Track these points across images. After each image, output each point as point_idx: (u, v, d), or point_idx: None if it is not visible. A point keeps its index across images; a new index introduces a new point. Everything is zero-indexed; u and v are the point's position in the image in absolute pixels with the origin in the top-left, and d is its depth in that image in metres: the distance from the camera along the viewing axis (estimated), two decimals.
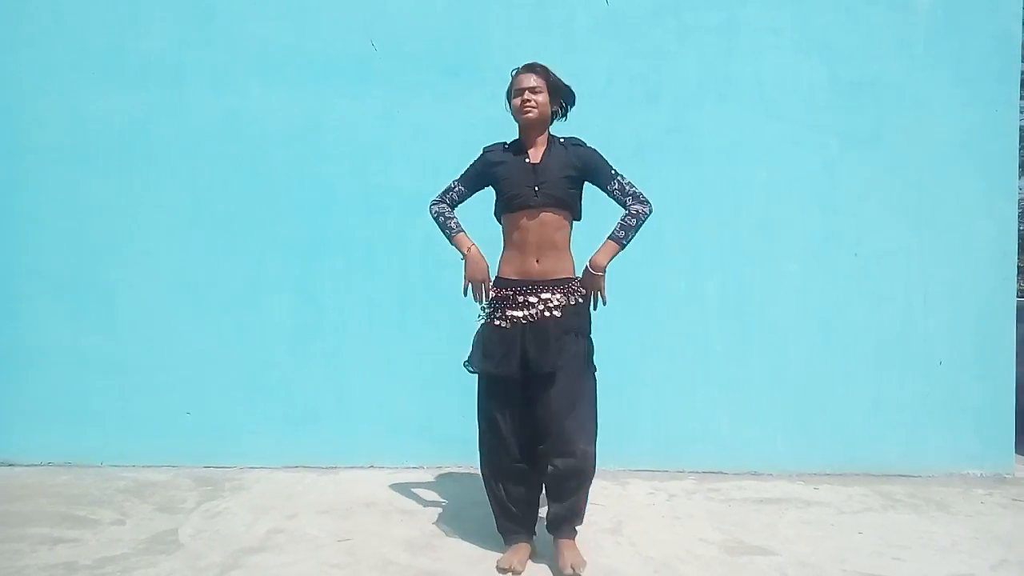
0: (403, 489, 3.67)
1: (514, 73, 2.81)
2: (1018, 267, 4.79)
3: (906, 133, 4.09)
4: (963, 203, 4.08)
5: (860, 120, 4.08)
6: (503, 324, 2.71)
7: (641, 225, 2.75)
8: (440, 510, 3.35)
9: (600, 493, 3.59)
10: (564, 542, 2.69)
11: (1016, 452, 4.13)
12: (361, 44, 4.10)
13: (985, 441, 4.07)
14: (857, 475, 4.02)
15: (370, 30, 4.10)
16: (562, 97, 2.82)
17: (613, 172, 2.79)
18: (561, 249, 2.76)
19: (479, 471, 2.89)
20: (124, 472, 3.91)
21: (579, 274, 2.76)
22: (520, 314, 2.68)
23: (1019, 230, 4.72)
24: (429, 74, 4.09)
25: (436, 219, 2.95)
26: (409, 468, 4.03)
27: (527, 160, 2.76)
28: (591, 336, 2.80)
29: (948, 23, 4.07)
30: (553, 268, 2.72)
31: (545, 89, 2.75)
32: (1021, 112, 4.75)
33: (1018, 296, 4.40)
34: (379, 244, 4.10)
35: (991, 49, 4.08)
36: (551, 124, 2.84)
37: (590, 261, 2.74)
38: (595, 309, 2.82)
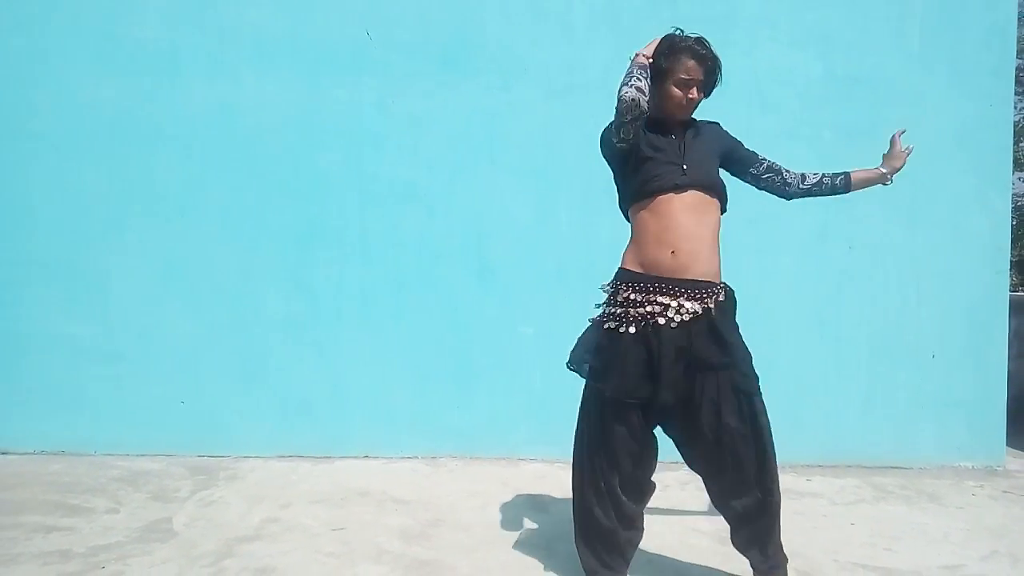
0: (397, 479, 3.68)
1: (685, 42, 2.29)
2: (1011, 261, 4.80)
3: (900, 127, 4.08)
4: (957, 197, 4.10)
5: (855, 114, 4.08)
6: (627, 329, 2.25)
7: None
8: (434, 500, 3.35)
9: None
10: None
11: (1007, 445, 4.16)
12: (356, 33, 4.08)
13: (976, 434, 4.10)
14: (849, 467, 4.04)
15: (365, 19, 4.08)
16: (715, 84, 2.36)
17: (755, 152, 2.47)
18: (708, 241, 2.27)
19: (574, 497, 2.45)
20: (118, 461, 3.91)
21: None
22: (645, 311, 2.23)
23: (1012, 225, 4.73)
24: (424, 63, 4.07)
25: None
26: (403, 458, 4.04)
27: (672, 136, 2.33)
28: (746, 349, 2.31)
29: (943, 18, 4.08)
30: (691, 264, 2.23)
31: (709, 88, 2.35)
32: (1016, 107, 4.77)
33: (1011, 290, 4.42)
34: (374, 234, 4.10)
35: (986, 44, 4.08)
36: None
37: (880, 170, 2.53)
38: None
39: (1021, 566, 2.74)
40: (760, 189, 2.51)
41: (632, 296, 2.26)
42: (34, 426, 4.05)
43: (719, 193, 2.34)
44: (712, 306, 2.24)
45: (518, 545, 2.82)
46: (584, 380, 2.42)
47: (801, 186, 2.44)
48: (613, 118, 2.27)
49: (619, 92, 2.20)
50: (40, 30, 4.06)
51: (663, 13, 4.07)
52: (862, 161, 4.07)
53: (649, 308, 2.22)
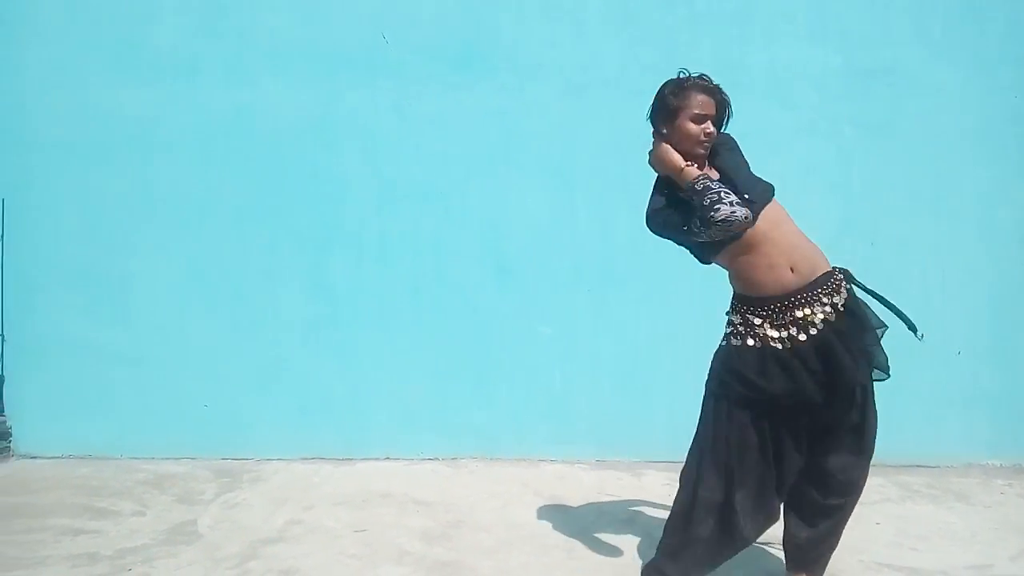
0: (418, 480, 3.69)
1: (685, 80, 2.27)
2: None
3: (922, 120, 4.04)
4: (980, 191, 4.03)
5: (875, 108, 4.03)
6: (780, 346, 2.21)
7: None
8: (455, 501, 3.36)
9: (615, 484, 3.60)
10: None
11: None
12: (372, 36, 4.09)
13: (1004, 431, 4.03)
14: (874, 465, 3.93)
15: (381, 22, 4.09)
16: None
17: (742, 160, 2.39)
18: (802, 240, 2.31)
19: (682, 501, 2.33)
20: (143, 464, 3.95)
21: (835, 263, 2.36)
22: (785, 334, 2.21)
23: None
24: (440, 65, 4.08)
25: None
26: (424, 459, 4.05)
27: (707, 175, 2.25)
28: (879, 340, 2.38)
29: (965, 9, 4.01)
30: (810, 268, 2.26)
31: (719, 124, 2.31)
32: None
33: None
34: (392, 235, 4.11)
35: (1008, 35, 4.01)
36: None
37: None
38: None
39: None
40: None
41: (769, 315, 2.22)
42: (60, 430, 4.11)
43: (773, 194, 2.32)
44: (841, 300, 2.27)
45: (539, 546, 2.82)
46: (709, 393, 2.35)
47: None
48: (698, 224, 2.17)
49: (715, 211, 2.10)
50: (60, 38, 4.11)
51: (679, 10, 4.06)
52: (882, 155, 4.05)
53: (800, 322, 2.21)
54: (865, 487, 3.58)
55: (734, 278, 2.34)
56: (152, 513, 3.21)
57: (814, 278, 2.25)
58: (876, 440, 2.44)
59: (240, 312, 4.12)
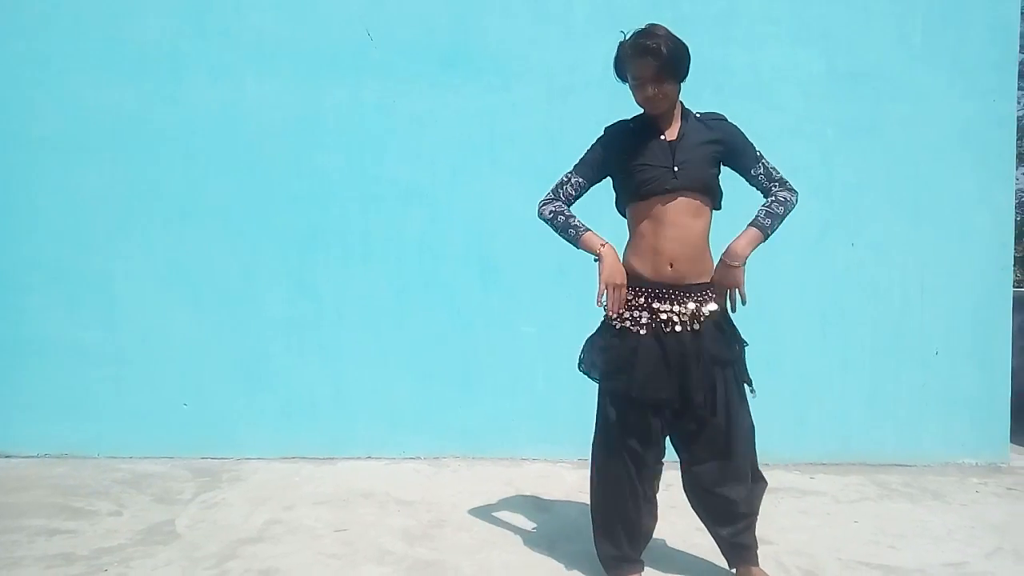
0: (400, 480, 3.68)
1: (625, 45, 2.26)
2: (1015, 257, 4.79)
3: (904, 124, 4.08)
4: (960, 193, 4.08)
5: (857, 111, 4.07)
6: (638, 330, 2.31)
7: (787, 215, 2.41)
8: (437, 500, 3.35)
9: None
10: (756, 570, 2.44)
11: (1011, 442, 4.15)
12: (357, 34, 4.08)
13: (981, 430, 4.08)
14: (853, 464, 4.03)
15: (366, 20, 4.07)
16: (685, 66, 2.28)
17: (758, 154, 2.42)
18: (700, 246, 2.34)
19: (591, 493, 2.52)
20: (121, 463, 3.91)
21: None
22: (646, 320, 2.30)
23: (1016, 221, 4.72)
24: (426, 64, 4.07)
25: (551, 221, 2.51)
26: (406, 459, 4.04)
27: (662, 137, 2.32)
28: (743, 354, 2.42)
29: (946, 14, 4.06)
30: (689, 271, 2.31)
31: (670, 73, 2.23)
32: (1019, 103, 4.76)
33: (1015, 286, 4.40)
34: (376, 235, 4.10)
35: (989, 40, 4.07)
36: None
37: (727, 251, 2.31)
38: (733, 311, 2.38)
39: None
40: None
41: (642, 300, 2.33)
42: (37, 429, 4.06)
43: (712, 193, 2.36)
44: (716, 307, 2.35)
45: (521, 545, 2.82)
46: (598, 381, 2.48)
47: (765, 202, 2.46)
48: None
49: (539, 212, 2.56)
50: (42, 34, 4.06)
51: (664, 12, 4.03)
52: (864, 157, 4.09)
53: (663, 316, 2.30)
54: (843, 485, 3.65)
55: (627, 248, 2.44)
56: (129, 513, 3.18)
57: (692, 283, 2.32)
58: (750, 444, 2.44)
59: (222, 311, 4.09)
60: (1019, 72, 4.30)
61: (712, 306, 2.34)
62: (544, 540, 2.86)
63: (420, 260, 4.09)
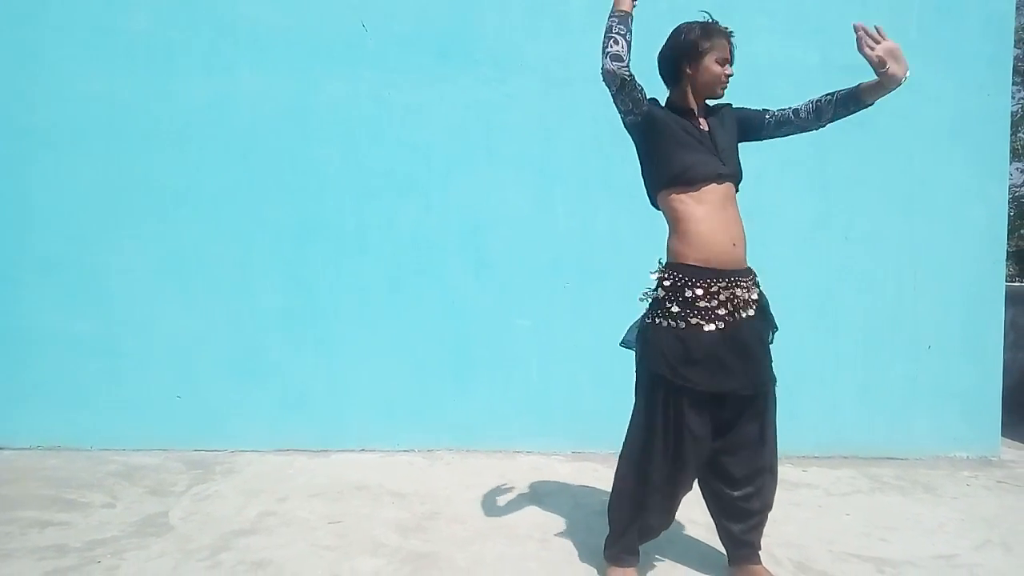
0: (394, 472, 3.68)
1: (710, 24, 2.36)
2: (1008, 252, 4.81)
3: (898, 117, 4.09)
4: (954, 188, 4.10)
5: None
6: (708, 327, 2.21)
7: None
8: (431, 493, 3.36)
9: (591, 475, 3.62)
10: (759, 569, 2.43)
11: (1002, 435, 4.17)
12: (352, 25, 4.06)
13: (972, 424, 4.11)
14: (845, 457, 4.05)
15: (361, 11, 4.05)
16: None
17: (761, 111, 2.42)
18: (744, 229, 2.33)
19: (620, 478, 2.43)
20: (114, 455, 3.90)
21: (761, 265, 2.38)
22: (723, 312, 2.22)
23: (1009, 215, 4.74)
24: (421, 56, 4.05)
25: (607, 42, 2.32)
26: (400, 451, 4.04)
27: (696, 124, 2.33)
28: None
29: (941, 7, 4.06)
30: (744, 255, 2.30)
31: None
32: (1013, 97, 4.76)
33: (1007, 281, 4.42)
34: (371, 227, 4.09)
35: (984, 34, 4.07)
36: None
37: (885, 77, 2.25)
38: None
39: (1014, 555, 2.76)
40: (784, 137, 2.45)
41: (700, 292, 2.22)
42: (30, 421, 4.04)
43: (739, 181, 2.38)
44: (761, 292, 2.35)
45: (515, 537, 2.83)
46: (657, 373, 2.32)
47: (816, 116, 2.35)
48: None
49: (601, 61, 2.26)
50: (34, 24, 4.03)
51: (659, 4, 4.03)
52: (858, 151, 4.10)
53: (728, 305, 2.23)
54: (835, 478, 3.67)
55: (679, 237, 2.30)
56: (122, 505, 3.17)
57: (747, 267, 2.33)
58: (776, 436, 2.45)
59: (216, 303, 4.07)
60: (1013, 67, 4.31)
61: (760, 288, 2.35)
62: (537, 533, 2.87)
63: (415, 252, 4.08)
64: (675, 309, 2.24)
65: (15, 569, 2.51)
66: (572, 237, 4.07)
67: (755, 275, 2.35)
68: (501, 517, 3.06)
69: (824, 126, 2.41)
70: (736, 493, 2.39)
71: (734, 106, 2.46)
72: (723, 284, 2.23)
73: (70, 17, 4.03)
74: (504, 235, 4.07)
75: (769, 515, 2.46)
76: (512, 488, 3.43)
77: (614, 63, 2.23)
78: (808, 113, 2.35)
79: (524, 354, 4.08)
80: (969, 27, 4.07)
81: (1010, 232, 7.64)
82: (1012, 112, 4.84)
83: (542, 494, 3.36)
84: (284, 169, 4.07)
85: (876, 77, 2.27)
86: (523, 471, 3.72)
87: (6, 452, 3.97)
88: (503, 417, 4.07)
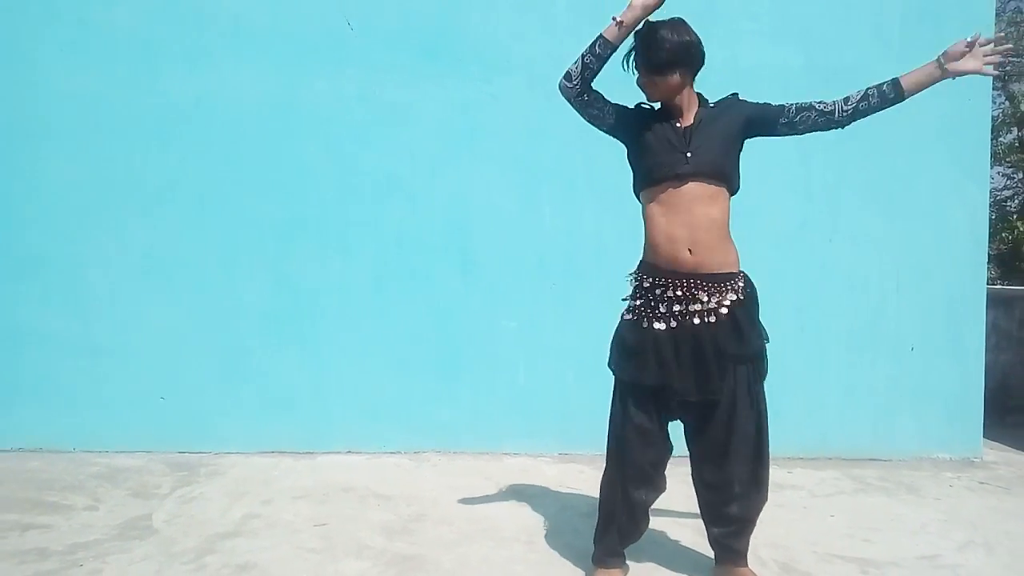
0: (380, 474, 3.66)
1: (636, 37, 2.31)
2: (989, 254, 4.86)
3: (881, 121, 4.04)
4: (936, 190, 4.14)
5: None
6: (647, 324, 2.27)
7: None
8: (417, 495, 3.34)
9: (578, 477, 3.62)
10: (745, 571, 2.41)
11: (984, 436, 4.21)
12: (337, 23, 4.04)
13: (954, 426, 4.15)
14: (829, 459, 4.08)
15: (346, 9, 4.03)
16: (690, 59, 2.31)
17: (781, 105, 2.33)
18: (718, 233, 2.27)
19: (603, 477, 2.48)
20: (97, 457, 3.86)
21: (743, 268, 2.33)
22: (664, 312, 2.25)
23: (990, 218, 4.79)
24: (406, 54, 4.04)
25: (578, 64, 2.37)
26: (386, 453, 4.02)
27: (677, 123, 2.30)
28: (765, 352, 2.40)
29: (923, 11, 4.10)
30: (708, 259, 2.25)
31: (675, 70, 2.26)
32: (994, 102, 4.81)
33: (989, 283, 4.47)
34: (355, 227, 4.07)
35: (965, 37, 4.10)
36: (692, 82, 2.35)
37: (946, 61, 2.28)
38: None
39: (995, 556, 2.79)
40: (804, 134, 2.41)
41: (658, 292, 2.28)
42: (10, 423, 3.98)
43: (726, 179, 2.29)
44: (736, 299, 2.27)
45: (501, 539, 2.82)
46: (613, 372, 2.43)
47: (845, 108, 2.32)
48: None
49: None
50: (12, 19, 3.97)
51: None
52: (841, 154, 4.13)
53: (677, 307, 2.25)
54: (819, 480, 3.69)
55: (646, 236, 2.36)
56: (105, 507, 3.14)
57: (711, 271, 2.26)
58: (754, 447, 2.38)
59: (198, 303, 4.04)
60: None
61: (732, 297, 2.26)
62: (524, 535, 2.87)
63: (399, 252, 4.07)
64: (634, 304, 2.34)
65: None
66: (558, 237, 4.07)
67: (731, 281, 2.28)
68: (487, 519, 3.05)
69: (845, 126, 2.42)
70: (711, 497, 2.41)
71: (745, 100, 2.39)
72: (677, 285, 2.25)
73: (51, 12, 3.98)
74: (490, 235, 4.07)
75: (753, 522, 2.45)
76: (498, 490, 3.43)
77: (563, 81, 2.37)
78: (834, 105, 2.32)
79: (510, 355, 4.07)
80: (950, 31, 4.05)
81: (992, 235, 7.72)
82: (993, 116, 4.89)
83: (529, 496, 3.35)
84: (268, 167, 4.05)
85: (929, 68, 2.35)
86: (510, 473, 3.71)
87: None
88: (489, 418, 4.07)
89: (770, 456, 2.43)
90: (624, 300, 2.41)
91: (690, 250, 2.24)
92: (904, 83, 2.32)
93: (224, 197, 4.03)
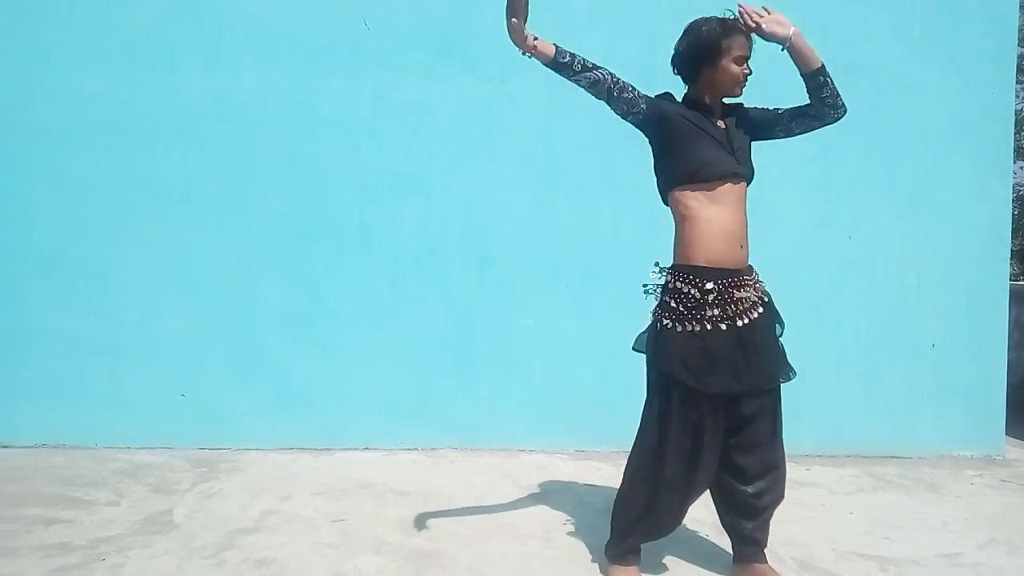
0: (397, 470, 3.68)
1: (728, 21, 2.31)
2: (1012, 250, 4.81)
3: (901, 116, 4.08)
4: (958, 186, 4.09)
5: (855, 103, 3.97)
6: (724, 326, 2.22)
7: (836, 92, 2.36)
8: (434, 491, 3.36)
9: (594, 474, 3.62)
10: (765, 568, 2.41)
11: (1006, 434, 4.17)
12: (354, 23, 4.06)
13: (976, 423, 4.10)
14: (848, 456, 4.05)
15: (363, 9, 4.05)
16: None
17: (775, 110, 2.40)
18: (747, 232, 2.32)
19: (630, 477, 2.44)
20: (119, 454, 3.91)
21: (765, 265, 2.38)
22: (732, 311, 2.23)
23: (1013, 214, 4.73)
24: (422, 54, 4.05)
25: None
26: (403, 450, 4.04)
27: (716, 123, 2.30)
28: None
29: (944, 6, 4.06)
30: (748, 255, 2.32)
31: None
32: (1017, 96, 4.76)
33: (1012, 279, 4.42)
34: (372, 226, 4.09)
35: (987, 32, 4.06)
36: None
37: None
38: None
39: (1018, 554, 2.75)
40: (800, 135, 2.45)
41: (716, 294, 2.23)
42: (35, 419, 4.05)
43: (751, 182, 2.37)
44: (765, 289, 2.35)
45: (517, 536, 2.83)
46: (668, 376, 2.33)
47: (817, 104, 2.37)
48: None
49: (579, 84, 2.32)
50: (35, 23, 4.03)
51: (662, 4, 4.05)
52: (861, 151, 4.09)
53: (735, 307, 2.23)
54: (838, 477, 3.66)
55: (686, 237, 2.29)
56: (127, 503, 3.18)
57: (749, 265, 2.34)
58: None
59: (218, 301, 4.08)
60: (1017, 65, 4.30)
61: (764, 286, 2.34)
62: (540, 531, 2.87)
63: (416, 251, 4.09)
64: (686, 311, 2.24)
65: (20, 566, 2.52)
66: (574, 236, 4.07)
67: (757, 272, 2.37)
68: (504, 515, 3.06)
69: (834, 116, 2.42)
70: (749, 489, 2.37)
71: (746, 106, 2.44)
72: (731, 284, 2.24)
73: (71, 15, 4.03)
74: (506, 234, 4.07)
75: (774, 512, 2.45)
76: (515, 486, 3.43)
77: (592, 90, 2.31)
78: (823, 104, 2.38)
79: (527, 352, 4.08)
80: (972, 26, 4.06)
81: (1014, 231, 7.62)
82: (1016, 111, 4.84)
83: (545, 492, 3.36)
84: (286, 167, 4.08)
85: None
86: (526, 469, 3.72)
87: (11, 450, 3.98)
88: (506, 415, 4.08)
89: (788, 453, 2.45)
90: (646, 292, 2.41)
91: (741, 245, 2.28)
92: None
93: (242, 197, 4.07)
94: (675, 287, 2.28)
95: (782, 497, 2.44)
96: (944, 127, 4.07)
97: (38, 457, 3.86)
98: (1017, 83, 4.42)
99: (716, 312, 2.22)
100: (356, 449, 4.04)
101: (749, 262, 2.35)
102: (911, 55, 4.07)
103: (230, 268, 4.08)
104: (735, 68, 2.26)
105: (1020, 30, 4.19)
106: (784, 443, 2.44)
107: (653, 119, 2.28)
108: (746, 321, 2.24)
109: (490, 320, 4.08)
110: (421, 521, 2.97)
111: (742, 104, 2.43)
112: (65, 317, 4.07)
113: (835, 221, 4.09)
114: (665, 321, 2.29)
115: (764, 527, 2.44)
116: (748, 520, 2.41)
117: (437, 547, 2.71)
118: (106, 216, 4.06)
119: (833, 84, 2.33)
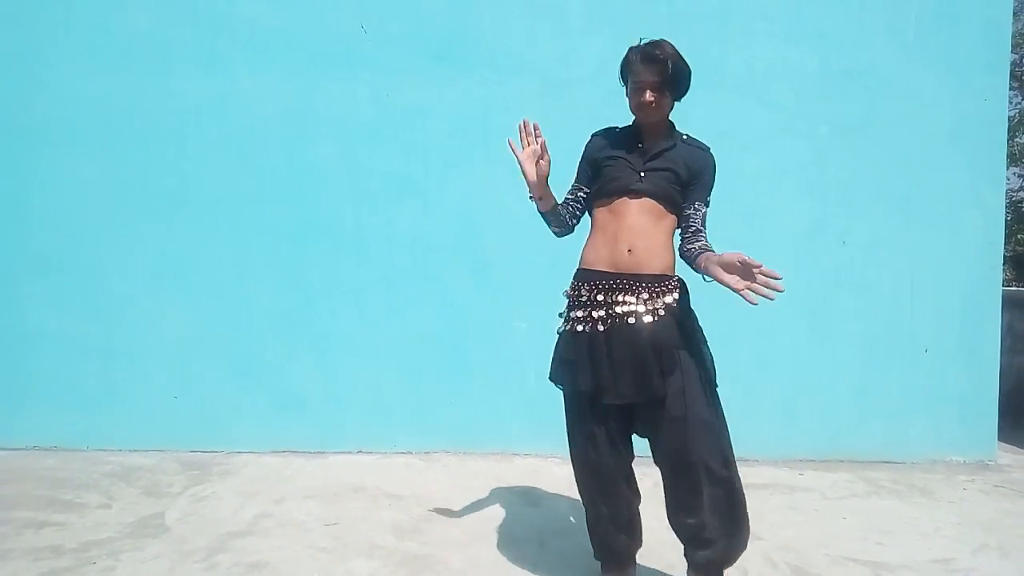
0: (391, 474, 3.68)
1: (634, 52, 2.27)
2: (1004, 256, 4.83)
3: (896, 122, 4.10)
4: (951, 192, 4.11)
5: (850, 109, 4.08)
6: (583, 328, 2.25)
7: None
8: (427, 495, 3.35)
9: None
10: None
11: (999, 439, 4.18)
12: (351, 27, 4.06)
13: (968, 428, 4.12)
14: (842, 461, 4.05)
15: (360, 13, 4.06)
16: (685, 85, 2.32)
17: (708, 199, 2.36)
18: (661, 242, 2.28)
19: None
20: (110, 456, 3.89)
21: (679, 273, 2.32)
22: (601, 314, 2.23)
23: (1006, 220, 4.75)
24: (419, 58, 4.06)
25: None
26: (397, 453, 4.03)
27: (639, 144, 2.35)
28: (709, 353, 2.31)
29: (939, 13, 4.07)
30: (648, 261, 2.24)
31: (669, 84, 2.24)
32: (1010, 103, 4.77)
33: (1004, 285, 4.43)
34: (368, 229, 4.08)
35: (981, 39, 4.08)
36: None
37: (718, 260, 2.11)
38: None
39: (1010, 560, 2.76)
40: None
41: (592, 294, 2.28)
42: (26, 421, 4.03)
43: (674, 206, 2.31)
44: (673, 300, 2.25)
45: (511, 540, 2.83)
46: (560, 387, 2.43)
47: (690, 249, 2.29)
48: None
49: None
50: (32, 25, 4.03)
51: (659, 8, 4.07)
52: (856, 155, 4.11)
53: (611, 309, 2.22)
54: (832, 482, 3.66)
55: (587, 244, 2.42)
56: (118, 506, 3.17)
57: (650, 272, 2.24)
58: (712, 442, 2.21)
59: (213, 304, 4.07)
60: (1011, 72, 4.32)
61: (671, 297, 2.24)
62: (534, 535, 2.87)
63: (412, 254, 4.08)
64: (567, 311, 2.36)
65: (11, 569, 2.51)
66: (570, 238, 4.06)
67: (667, 283, 2.25)
68: (498, 520, 3.05)
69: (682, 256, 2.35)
70: (670, 510, 2.27)
71: (712, 164, 2.37)
72: (608, 286, 2.25)
73: (68, 17, 4.02)
74: (502, 237, 4.07)
75: (736, 553, 2.24)
76: (509, 490, 3.43)
77: (556, 232, 2.62)
78: (687, 253, 2.30)
79: (521, 356, 4.07)
80: (967, 32, 4.08)
81: (1007, 237, 7.66)
82: (1009, 117, 4.85)
83: (539, 497, 3.36)
84: (282, 170, 4.07)
85: (718, 269, 2.12)
86: (520, 474, 3.72)
87: (2, 452, 3.96)
88: (500, 419, 4.07)
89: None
90: (560, 315, 2.39)
91: (629, 250, 2.25)
92: (701, 261, 2.20)
93: (238, 200, 4.06)
94: (569, 288, 2.39)
95: (736, 525, 2.21)
96: (938, 133, 4.09)
97: (30, 459, 3.84)
98: (1010, 89, 4.44)
99: (582, 312, 2.27)
100: (350, 452, 4.03)
101: (663, 272, 2.26)
102: (905, 61, 4.08)
103: (225, 271, 4.07)
104: (635, 97, 2.29)
105: (1014, 37, 4.21)
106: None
107: (591, 177, 2.47)
108: (619, 325, 2.20)
109: (485, 323, 4.08)
110: (414, 525, 2.97)
111: (707, 150, 2.38)
112: (58, 319, 4.05)
113: (829, 227, 4.10)
114: (558, 329, 2.40)
115: (704, 553, 2.23)
116: (683, 543, 2.28)
117: (430, 551, 2.71)
118: (101, 218, 4.05)
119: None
